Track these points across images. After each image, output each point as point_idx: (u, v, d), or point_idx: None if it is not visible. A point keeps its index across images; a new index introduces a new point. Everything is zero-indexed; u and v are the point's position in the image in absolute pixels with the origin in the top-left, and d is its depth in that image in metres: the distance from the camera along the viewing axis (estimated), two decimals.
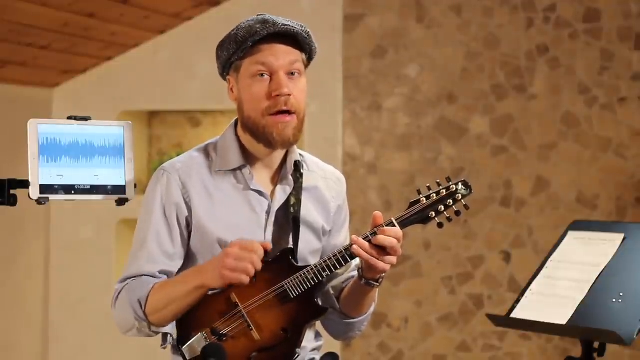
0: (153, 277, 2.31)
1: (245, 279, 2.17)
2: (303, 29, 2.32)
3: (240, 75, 2.33)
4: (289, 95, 2.27)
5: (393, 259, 2.24)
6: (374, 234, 2.24)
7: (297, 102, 2.29)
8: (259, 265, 2.19)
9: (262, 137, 2.30)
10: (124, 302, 2.28)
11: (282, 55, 2.29)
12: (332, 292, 2.45)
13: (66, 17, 4.18)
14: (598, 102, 4.68)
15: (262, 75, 2.29)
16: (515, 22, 4.73)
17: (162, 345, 2.34)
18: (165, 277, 2.32)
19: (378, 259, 2.23)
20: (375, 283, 2.32)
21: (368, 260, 2.24)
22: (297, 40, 2.31)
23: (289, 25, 2.29)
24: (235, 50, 2.30)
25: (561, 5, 4.70)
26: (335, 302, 2.44)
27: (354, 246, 2.23)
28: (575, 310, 2.21)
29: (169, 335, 2.32)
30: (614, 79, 4.66)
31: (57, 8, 4.06)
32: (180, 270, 2.35)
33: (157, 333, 2.32)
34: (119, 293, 2.31)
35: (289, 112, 2.28)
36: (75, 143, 1.99)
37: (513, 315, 2.32)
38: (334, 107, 4.80)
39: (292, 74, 2.30)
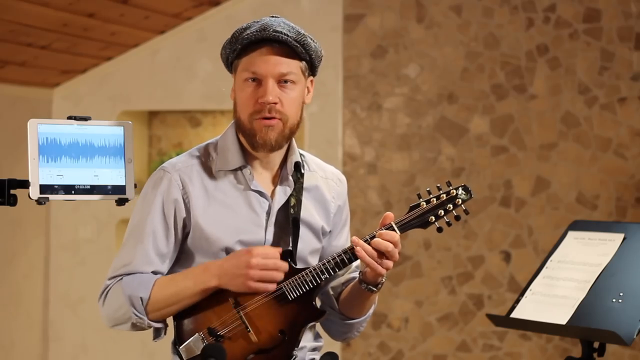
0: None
1: (272, 287, 2.23)
2: (297, 37, 2.27)
3: (236, 76, 2.33)
4: (274, 103, 2.26)
5: (389, 263, 2.25)
6: (373, 237, 2.25)
7: (284, 109, 2.27)
8: (286, 267, 2.24)
9: (248, 138, 2.31)
10: (119, 297, 2.27)
11: (273, 63, 2.26)
12: (331, 292, 2.45)
13: (66, 17, 4.18)
14: (598, 102, 4.68)
15: (253, 80, 2.28)
16: (515, 22, 4.72)
17: (154, 339, 2.33)
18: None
19: (376, 262, 2.24)
20: (374, 289, 2.32)
21: (369, 263, 2.24)
22: (292, 48, 2.27)
23: (279, 33, 2.25)
24: (230, 51, 2.31)
25: (561, 5, 4.69)
26: (335, 302, 2.44)
27: (358, 248, 2.24)
28: (575, 310, 2.21)
29: (162, 330, 2.32)
30: (614, 79, 4.66)
31: (57, 8, 4.06)
32: (172, 269, 2.35)
33: (152, 327, 2.32)
34: (111, 288, 2.30)
35: (273, 118, 2.27)
36: (75, 143, 1.98)
37: (513, 315, 2.32)
38: (334, 107, 4.80)
39: (285, 82, 2.28)
